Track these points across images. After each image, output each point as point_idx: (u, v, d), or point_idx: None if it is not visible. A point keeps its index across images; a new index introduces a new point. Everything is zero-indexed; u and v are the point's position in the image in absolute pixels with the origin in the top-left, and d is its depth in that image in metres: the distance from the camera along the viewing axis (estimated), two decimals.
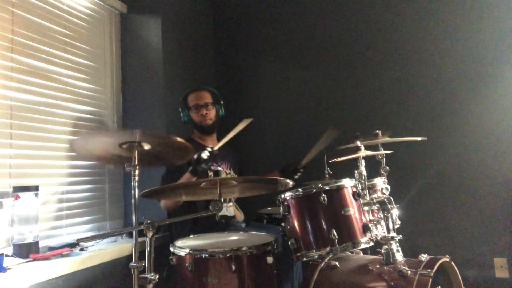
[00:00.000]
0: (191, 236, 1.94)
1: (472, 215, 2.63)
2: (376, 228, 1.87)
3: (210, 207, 1.37)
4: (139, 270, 1.42)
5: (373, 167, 2.05)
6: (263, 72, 3.27)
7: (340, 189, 1.82)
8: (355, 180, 1.85)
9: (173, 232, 2.34)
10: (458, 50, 2.75)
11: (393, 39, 2.90)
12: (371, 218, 1.85)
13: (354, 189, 1.83)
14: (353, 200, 1.82)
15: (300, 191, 1.82)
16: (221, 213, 2.24)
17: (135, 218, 1.49)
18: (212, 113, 2.39)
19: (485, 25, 2.70)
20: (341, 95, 3.02)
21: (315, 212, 1.79)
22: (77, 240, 1.45)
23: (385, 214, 1.78)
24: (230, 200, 2.34)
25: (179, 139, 1.55)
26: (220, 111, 2.46)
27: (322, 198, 1.76)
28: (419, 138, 2.11)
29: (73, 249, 1.86)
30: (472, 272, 2.57)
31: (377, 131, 2.10)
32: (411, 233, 2.38)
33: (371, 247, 1.86)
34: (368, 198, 1.84)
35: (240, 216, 2.40)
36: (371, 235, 1.79)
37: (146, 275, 1.39)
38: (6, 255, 1.64)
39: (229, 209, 2.32)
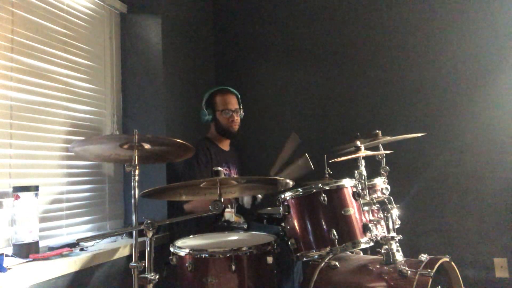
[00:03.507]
0: (191, 236, 1.94)
1: (472, 215, 2.63)
2: (376, 228, 1.88)
3: (210, 207, 1.37)
4: (139, 270, 1.42)
5: (373, 167, 2.05)
6: (263, 72, 3.27)
7: (340, 189, 1.82)
8: (355, 180, 1.85)
9: (173, 232, 2.34)
10: (458, 50, 2.75)
11: (393, 39, 2.90)
12: (371, 218, 1.85)
13: (354, 189, 1.83)
14: (353, 200, 1.82)
15: (300, 191, 1.82)
16: (226, 217, 2.25)
17: (135, 218, 1.49)
18: (239, 119, 2.47)
19: (484, 24, 2.70)
20: (341, 95, 3.02)
21: (315, 212, 1.79)
22: (77, 240, 1.45)
23: (385, 214, 1.78)
24: (233, 206, 2.35)
25: (178, 140, 1.55)
26: (241, 115, 2.52)
27: (322, 198, 1.76)
28: (419, 134, 2.11)
29: (73, 249, 1.85)
30: (472, 272, 2.57)
31: (377, 131, 2.11)
32: (411, 233, 2.38)
33: (371, 247, 1.86)
34: (368, 198, 1.84)
35: (240, 220, 2.41)
36: (371, 235, 1.79)
37: (146, 275, 1.39)
38: (6, 255, 1.64)
39: (233, 214, 2.32)
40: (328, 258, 1.82)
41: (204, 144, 2.42)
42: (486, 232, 2.59)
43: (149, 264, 1.40)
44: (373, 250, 2.04)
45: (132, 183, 1.51)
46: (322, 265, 1.80)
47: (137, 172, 1.52)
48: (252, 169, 2.61)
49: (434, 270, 1.57)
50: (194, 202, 2.26)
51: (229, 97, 2.47)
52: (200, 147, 2.36)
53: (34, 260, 1.68)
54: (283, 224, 1.89)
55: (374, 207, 1.84)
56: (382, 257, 1.76)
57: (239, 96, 2.55)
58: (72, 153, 2.08)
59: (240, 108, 2.50)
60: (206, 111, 2.44)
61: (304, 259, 1.81)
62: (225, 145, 2.52)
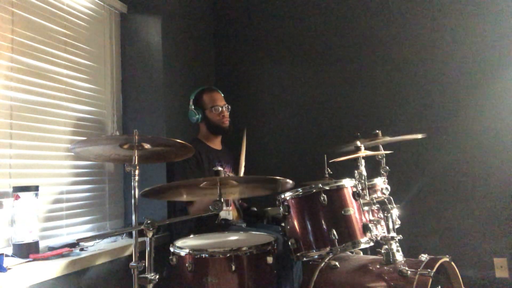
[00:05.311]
0: (191, 236, 1.94)
1: (472, 215, 2.63)
2: (376, 228, 1.88)
3: (210, 207, 1.37)
4: (139, 270, 1.42)
5: (373, 167, 2.05)
6: (263, 72, 3.27)
7: (340, 189, 1.82)
8: (355, 180, 1.85)
9: (173, 232, 2.34)
10: (458, 50, 2.75)
11: (393, 39, 2.90)
12: (371, 218, 1.85)
13: (354, 189, 1.84)
14: (353, 200, 1.82)
15: (300, 191, 1.82)
16: (222, 216, 2.24)
17: (135, 218, 1.49)
18: (228, 114, 2.47)
19: (485, 25, 2.70)
20: (341, 95, 3.02)
21: (315, 212, 1.79)
22: (77, 240, 1.45)
23: (385, 214, 1.79)
24: (229, 204, 2.35)
25: (178, 141, 1.55)
26: (229, 110, 2.52)
27: (322, 198, 1.76)
28: (419, 136, 2.11)
29: (73, 249, 1.85)
30: (472, 272, 2.58)
31: (377, 131, 2.11)
32: (411, 233, 2.38)
33: (371, 247, 1.86)
34: (368, 198, 1.84)
35: (240, 217, 2.41)
36: (371, 235, 1.79)
37: (146, 275, 1.39)
38: (6, 255, 1.64)
39: (230, 213, 2.32)
40: (328, 258, 1.82)
41: (194, 146, 2.42)
42: (486, 232, 2.59)
43: (149, 264, 1.40)
44: (373, 250, 2.04)
45: (132, 183, 1.51)
46: (322, 265, 1.80)
47: (137, 172, 1.52)
48: (253, 169, 2.61)
49: (434, 270, 1.57)
50: (198, 204, 2.25)
51: (216, 94, 2.47)
52: None
53: (34, 260, 1.68)
54: (283, 224, 1.89)
55: (374, 207, 1.84)
56: (382, 257, 1.76)
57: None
58: (72, 153, 2.09)
59: (227, 104, 2.50)
60: (195, 111, 2.44)
61: (304, 259, 1.81)
62: (217, 144, 2.52)
